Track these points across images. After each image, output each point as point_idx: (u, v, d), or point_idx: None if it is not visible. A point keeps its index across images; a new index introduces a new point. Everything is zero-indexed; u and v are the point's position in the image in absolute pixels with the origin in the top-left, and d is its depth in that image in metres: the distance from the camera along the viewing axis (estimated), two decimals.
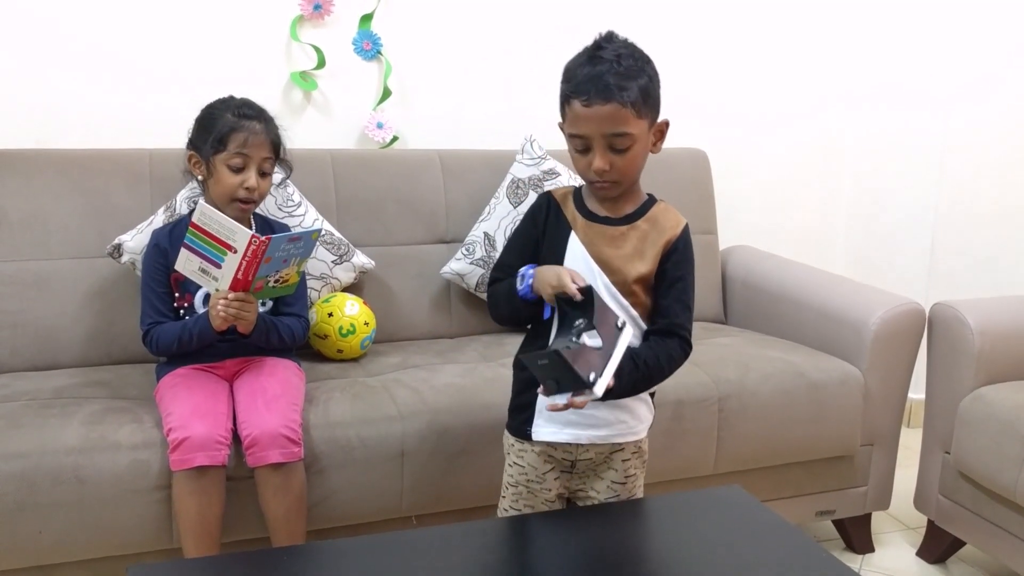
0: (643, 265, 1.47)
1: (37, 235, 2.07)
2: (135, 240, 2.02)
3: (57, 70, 2.28)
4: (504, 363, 2.09)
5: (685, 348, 1.51)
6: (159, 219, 2.05)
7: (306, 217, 2.17)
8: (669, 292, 1.49)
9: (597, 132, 1.40)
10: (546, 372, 1.31)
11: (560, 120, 1.48)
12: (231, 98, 1.85)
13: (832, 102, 3.07)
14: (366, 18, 2.49)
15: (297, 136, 2.38)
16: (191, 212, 1.85)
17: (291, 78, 2.45)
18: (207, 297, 1.81)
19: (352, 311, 2.11)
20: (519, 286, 1.47)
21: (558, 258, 1.49)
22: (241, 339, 1.80)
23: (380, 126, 2.53)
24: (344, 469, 1.77)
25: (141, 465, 1.65)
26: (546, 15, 2.68)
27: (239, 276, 1.64)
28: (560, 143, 2.43)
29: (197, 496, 1.62)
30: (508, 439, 1.61)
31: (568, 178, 2.39)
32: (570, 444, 1.52)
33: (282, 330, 1.87)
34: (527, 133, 2.44)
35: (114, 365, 2.08)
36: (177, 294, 1.86)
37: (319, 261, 2.17)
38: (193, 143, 1.84)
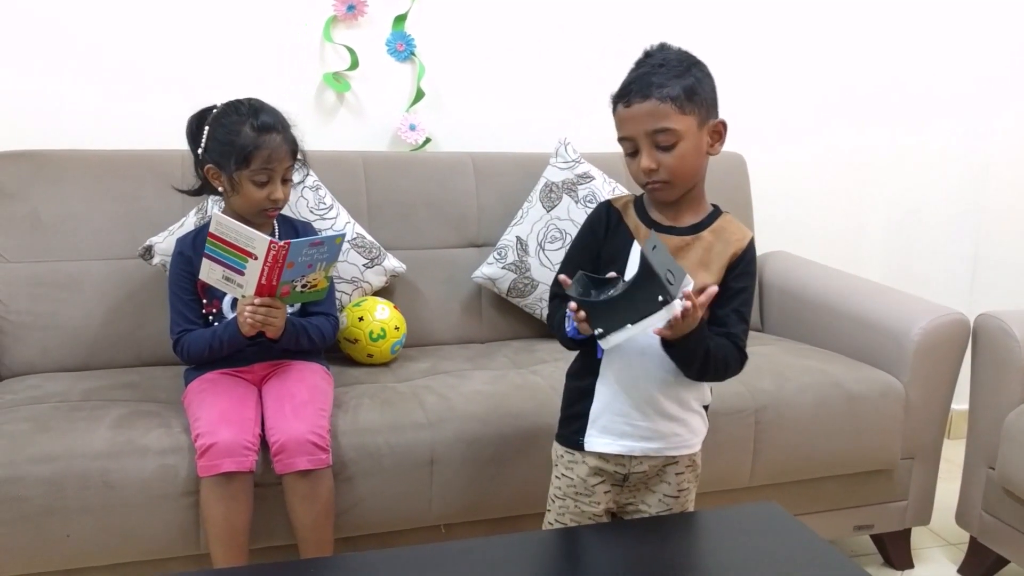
0: (708, 276, 1.43)
1: (68, 236, 2.07)
2: (166, 242, 2.01)
3: (95, 73, 2.27)
4: (535, 370, 2.06)
5: (741, 358, 1.47)
6: (190, 221, 2.04)
7: (338, 220, 2.15)
8: (729, 303, 1.45)
9: (640, 131, 1.38)
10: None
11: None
12: (242, 105, 1.78)
13: (872, 105, 2.99)
14: (400, 19, 2.46)
15: (329, 138, 2.43)
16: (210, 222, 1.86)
17: (324, 79, 2.43)
18: (235, 302, 1.80)
19: (383, 315, 2.09)
20: (567, 327, 1.42)
21: (620, 268, 1.45)
22: (270, 343, 1.78)
23: (413, 128, 2.50)
24: (373, 477, 1.75)
25: (169, 470, 1.64)
26: (582, 16, 2.64)
27: (263, 281, 1.63)
28: (594, 146, 2.48)
29: (224, 502, 1.60)
30: (557, 449, 1.56)
31: (603, 181, 2.35)
32: (623, 456, 1.49)
33: (311, 332, 1.85)
34: (561, 136, 2.40)
35: (143, 367, 2.07)
36: (205, 300, 1.84)
37: (350, 264, 2.14)
38: (210, 156, 1.78)
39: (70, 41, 2.26)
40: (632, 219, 1.49)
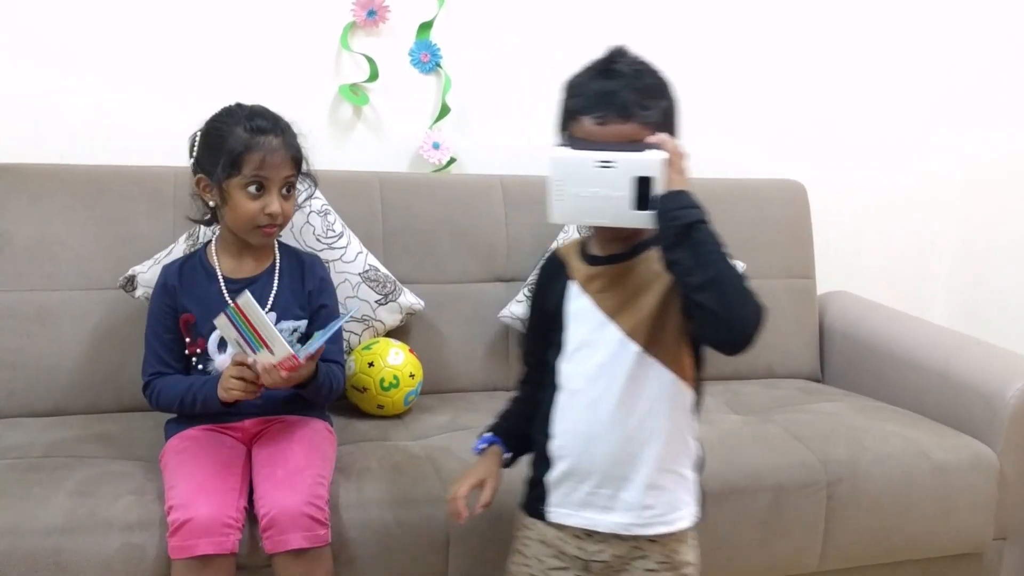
0: (655, 291, 1.24)
1: (44, 263, 1.88)
2: (151, 272, 1.80)
3: (83, 81, 2.09)
4: None
5: (761, 304, 1.16)
6: (180, 248, 1.83)
7: (348, 250, 1.93)
8: None
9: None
10: None
11: (557, 142, 1.28)
12: (239, 107, 1.61)
13: (939, 127, 2.77)
14: (425, 27, 2.29)
15: (344, 156, 2.27)
16: (205, 247, 1.66)
17: (340, 91, 2.26)
18: (222, 341, 1.59)
19: (396, 360, 1.87)
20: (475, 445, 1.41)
21: (558, 319, 1.31)
22: (261, 398, 1.54)
23: (436, 146, 2.31)
24: (379, 559, 1.52)
25: (134, 550, 1.40)
26: (624, 26, 2.44)
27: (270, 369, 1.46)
28: None
29: None
30: (519, 518, 1.38)
31: None
32: (578, 535, 1.29)
33: (321, 382, 1.59)
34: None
35: (123, 413, 1.86)
36: (188, 339, 1.62)
37: (361, 301, 1.94)
38: (200, 164, 1.59)
39: (53, 44, 2.07)
40: (575, 260, 1.34)
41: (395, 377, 1.85)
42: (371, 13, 2.22)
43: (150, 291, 1.78)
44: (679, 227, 1.13)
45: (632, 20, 2.43)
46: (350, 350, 1.90)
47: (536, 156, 2.35)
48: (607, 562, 1.28)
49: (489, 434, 1.42)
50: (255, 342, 1.44)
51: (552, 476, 1.30)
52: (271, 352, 1.43)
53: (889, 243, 2.79)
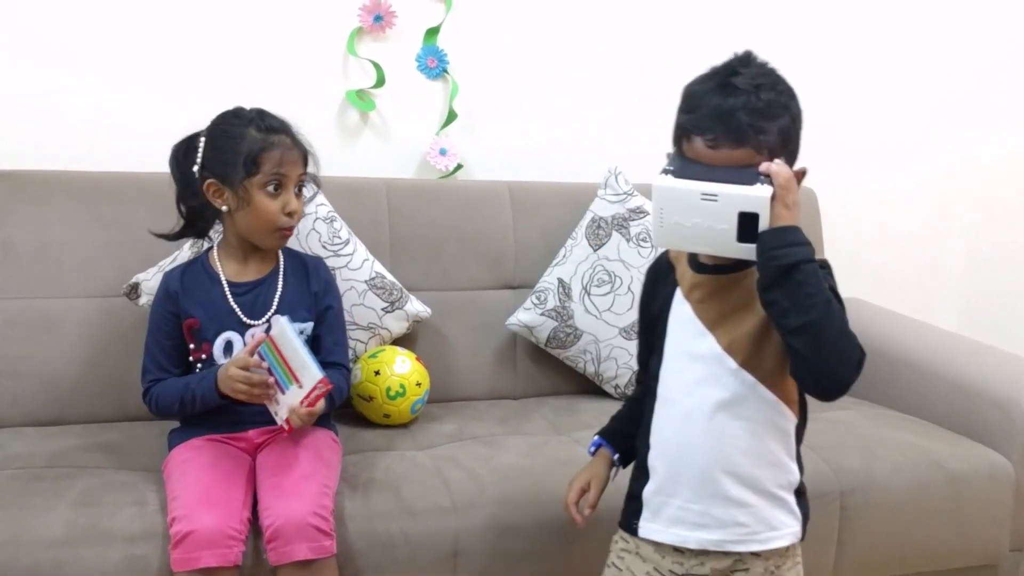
0: (747, 320, 1.21)
1: (48, 269, 1.86)
2: (155, 279, 1.77)
3: (85, 84, 2.07)
4: (577, 437, 1.81)
5: (860, 350, 1.17)
6: (185, 255, 1.81)
7: (354, 257, 1.91)
8: None
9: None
10: None
11: (671, 150, 1.21)
12: (241, 110, 1.61)
13: (947, 127, 2.74)
14: (432, 32, 2.27)
15: (351, 162, 2.24)
16: (206, 253, 1.65)
17: (347, 97, 2.24)
18: (228, 345, 1.58)
19: (403, 369, 1.84)
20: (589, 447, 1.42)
21: (663, 325, 1.28)
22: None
23: (443, 152, 2.29)
24: (385, 571, 1.49)
25: (137, 562, 1.38)
26: (636, 30, 2.43)
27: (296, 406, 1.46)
28: (648, 177, 2.20)
29: None
30: (617, 533, 1.36)
31: None
32: (677, 549, 1.25)
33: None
34: (611, 165, 2.18)
35: (128, 422, 1.83)
36: (192, 345, 1.60)
37: (367, 308, 1.91)
38: (210, 169, 1.58)
39: (54, 46, 2.05)
40: (682, 266, 1.29)
41: (401, 386, 1.82)
42: (378, 18, 2.20)
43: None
44: (777, 267, 1.09)
45: (638, 25, 2.42)
46: (356, 358, 1.88)
47: (544, 161, 2.37)
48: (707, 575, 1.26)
49: (598, 437, 1.42)
50: (284, 378, 1.44)
51: (647, 490, 1.27)
52: (299, 386, 1.42)
53: (900, 248, 2.76)
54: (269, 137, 1.55)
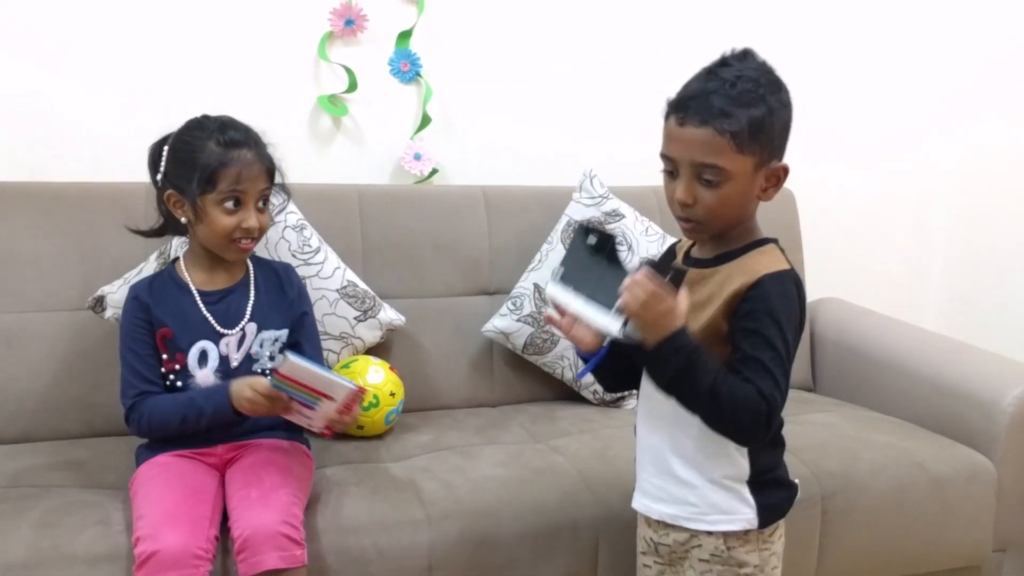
0: (702, 314, 1.23)
1: (10, 282, 1.81)
2: (120, 292, 1.74)
3: (54, 92, 2.03)
4: (556, 446, 1.79)
5: (768, 410, 1.16)
6: (151, 266, 1.77)
7: (325, 265, 1.88)
8: (739, 348, 1.20)
9: (686, 158, 1.21)
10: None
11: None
12: (206, 119, 1.55)
13: (928, 129, 2.74)
14: (404, 35, 2.24)
15: (324, 168, 2.22)
16: (173, 264, 1.61)
17: (319, 102, 2.21)
18: (202, 355, 1.54)
19: (376, 379, 1.81)
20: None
21: None
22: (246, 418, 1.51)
23: (418, 157, 2.26)
24: None
25: None
26: (611, 33, 2.41)
27: (333, 416, 1.45)
28: (624, 179, 2.21)
29: None
30: None
31: (635, 220, 2.10)
32: (652, 520, 1.33)
33: None
34: (586, 168, 2.16)
35: (96, 438, 1.80)
36: (165, 355, 1.55)
37: (338, 318, 1.88)
38: (170, 180, 1.54)
39: (16, 55, 2.00)
40: (681, 255, 1.35)
41: (375, 396, 1.78)
42: (349, 22, 2.17)
43: (119, 311, 1.72)
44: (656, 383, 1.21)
45: (616, 28, 2.40)
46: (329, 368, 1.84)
47: (519, 164, 2.35)
48: (669, 546, 1.31)
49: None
50: (310, 399, 1.42)
51: (636, 461, 1.36)
52: (331, 399, 1.40)
53: (880, 247, 2.75)
54: (228, 152, 1.50)
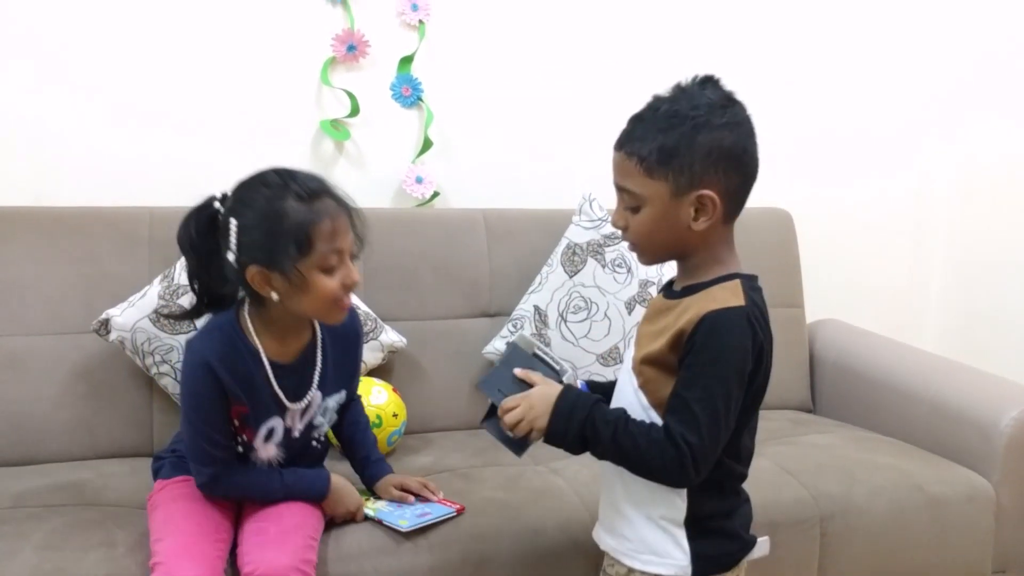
0: (653, 344, 1.21)
1: (13, 307, 1.82)
2: (125, 315, 1.75)
3: (58, 117, 2.04)
4: (556, 468, 1.78)
5: (678, 456, 1.14)
6: (155, 290, 1.78)
7: None
8: (676, 386, 1.18)
9: (614, 181, 1.24)
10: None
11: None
12: (267, 175, 1.35)
13: (924, 148, 2.73)
14: (406, 60, 2.25)
15: None
16: (236, 323, 1.41)
17: (321, 127, 2.21)
18: (270, 433, 1.44)
19: (379, 400, 1.81)
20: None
21: None
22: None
23: (419, 180, 2.27)
24: None
25: None
26: (609, 57, 2.42)
27: None
28: None
29: None
30: None
31: None
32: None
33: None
34: (586, 191, 2.17)
35: (98, 460, 1.80)
36: (236, 423, 1.43)
37: None
38: (249, 255, 1.32)
39: (19, 81, 2.01)
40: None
41: (378, 417, 1.78)
42: (351, 48, 2.19)
43: (124, 335, 1.74)
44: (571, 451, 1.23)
45: (615, 52, 2.41)
46: None
47: (520, 187, 2.36)
48: None
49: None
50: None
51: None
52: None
53: (878, 268, 2.75)
54: (315, 206, 1.31)
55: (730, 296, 1.18)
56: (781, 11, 2.55)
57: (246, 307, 1.42)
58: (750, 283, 1.22)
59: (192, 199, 1.41)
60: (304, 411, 1.46)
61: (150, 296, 1.76)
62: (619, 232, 1.16)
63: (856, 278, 2.71)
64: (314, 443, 1.54)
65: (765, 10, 2.54)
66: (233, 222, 1.32)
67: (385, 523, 1.50)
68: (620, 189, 1.21)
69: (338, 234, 1.32)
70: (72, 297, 1.84)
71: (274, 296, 1.34)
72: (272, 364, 1.40)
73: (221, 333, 1.40)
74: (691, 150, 1.15)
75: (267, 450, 1.45)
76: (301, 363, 1.44)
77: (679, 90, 1.20)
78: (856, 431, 2.09)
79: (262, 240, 1.31)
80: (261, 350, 1.40)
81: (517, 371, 1.25)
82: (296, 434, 1.47)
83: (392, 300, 2.04)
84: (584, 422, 1.18)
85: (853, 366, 2.26)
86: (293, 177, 1.33)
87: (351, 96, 2.21)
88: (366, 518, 1.51)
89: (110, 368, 1.82)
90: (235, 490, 1.44)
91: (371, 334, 1.91)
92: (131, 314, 1.74)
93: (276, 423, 1.44)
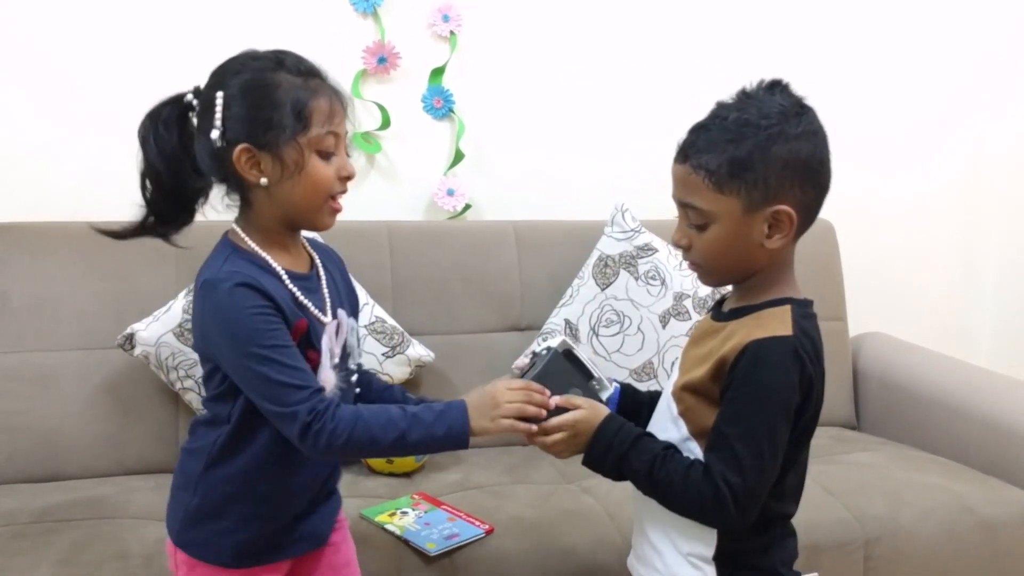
0: (696, 371, 1.14)
1: (44, 322, 1.82)
2: (150, 330, 1.74)
3: (87, 136, 2.05)
4: (587, 487, 1.74)
5: (716, 496, 1.07)
6: (179, 304, 1.78)
7: None
8: (717, 420, 1.12)
9: (675, 196, 1.15)
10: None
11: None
12: (255, 52, 1.19)
13: (976, 148, 2.65)
14: (437, 72, 2.25)
15: (359, 205, 2.19)
16: (238, 245, 1.19)
17: (352, 140, 2.21)
18: (343, 360, 1.23)
19: None
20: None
21: None
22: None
23: (451, 193, 2.26)
24: None
25: None
26: (642, 66, 2.39)
27: None
28: (657, 213, 2.17)
29: None
30: None
31: (668, 254, 2.07)
32: None
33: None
34: (618, 202, 2.14)
35: (124, 476, 1.79)
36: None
37: (367, 354, 1.85)
38: (237, 131, 1.14)
39: (51, 94, 2.03)
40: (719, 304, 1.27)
41: None
42: (382, 60, 2.18)
43: (148, 349, 1.74)
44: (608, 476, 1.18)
45: (646, 62, 2.38)
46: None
47: (552, 199, 2.33)
48: None
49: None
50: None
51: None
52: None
53: (925, 279, 2.68)
54: (311, 82, 1.16)
55: (778, 324, 1.11)
56: (817, 17, 2.50)
57: (237, 228, 1.21)
58: (802, 310, 1.14)
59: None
60: (337, 331, 1.23)
61: (174, 310, 1.76)
62: (649, 243, 1.12)
63: (901, 288, 2.64)
64: (354, 382, 1.29)
65: (800, 18, 2.49)
66: (219, 94, 1.15)
67: (412, 544, 1.46)
68: (683, 205, 1.13)
69: (336, 115, 1.17)
70: (102, 313, 1.85)
71: (263, 181, 1.14)
72: (291, 276, 1.19)
73: (232, 253, 1.18)
74: (765, 162, 1.08)
75: (328, 379, 1.19)
76: (315, 277, 1.25)
77: (745, 96, 1.12)
78: (903, 449, 2.03)
79: (254, 112, 1.13)
80: (273, 262, 1.18)
81: (557, 399, 1.17)
82: (336, 360, 1.22)
83: (420, 314, 2.02)
84: (622, 459, 1.13)
85: (899, 381, 2.19)
86: (284, 53, 1.19)
87: (382, 109, 2.21)
88: (393, 536, 1.45)
89: (137, 384, 1.83)
90: (358, 431, 1.12)
91: (397, 348, 1.88)
92: (155, 328, 1.74)
93: (325, 340, 1.21)
